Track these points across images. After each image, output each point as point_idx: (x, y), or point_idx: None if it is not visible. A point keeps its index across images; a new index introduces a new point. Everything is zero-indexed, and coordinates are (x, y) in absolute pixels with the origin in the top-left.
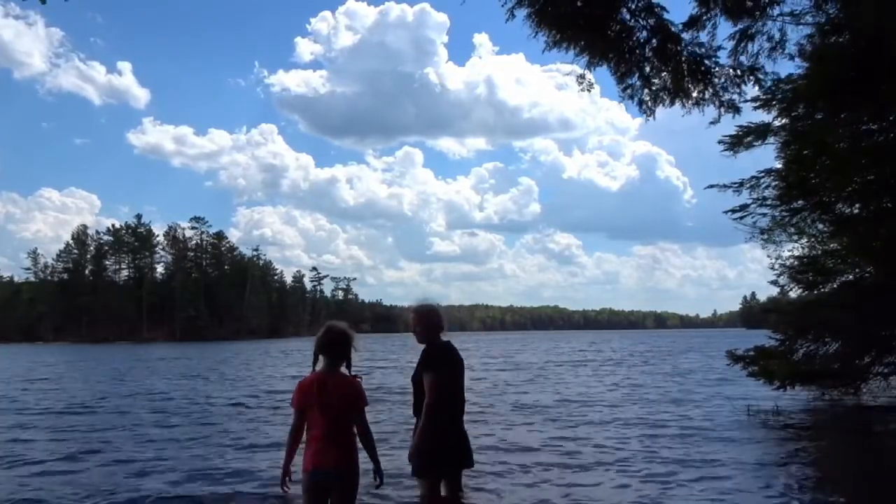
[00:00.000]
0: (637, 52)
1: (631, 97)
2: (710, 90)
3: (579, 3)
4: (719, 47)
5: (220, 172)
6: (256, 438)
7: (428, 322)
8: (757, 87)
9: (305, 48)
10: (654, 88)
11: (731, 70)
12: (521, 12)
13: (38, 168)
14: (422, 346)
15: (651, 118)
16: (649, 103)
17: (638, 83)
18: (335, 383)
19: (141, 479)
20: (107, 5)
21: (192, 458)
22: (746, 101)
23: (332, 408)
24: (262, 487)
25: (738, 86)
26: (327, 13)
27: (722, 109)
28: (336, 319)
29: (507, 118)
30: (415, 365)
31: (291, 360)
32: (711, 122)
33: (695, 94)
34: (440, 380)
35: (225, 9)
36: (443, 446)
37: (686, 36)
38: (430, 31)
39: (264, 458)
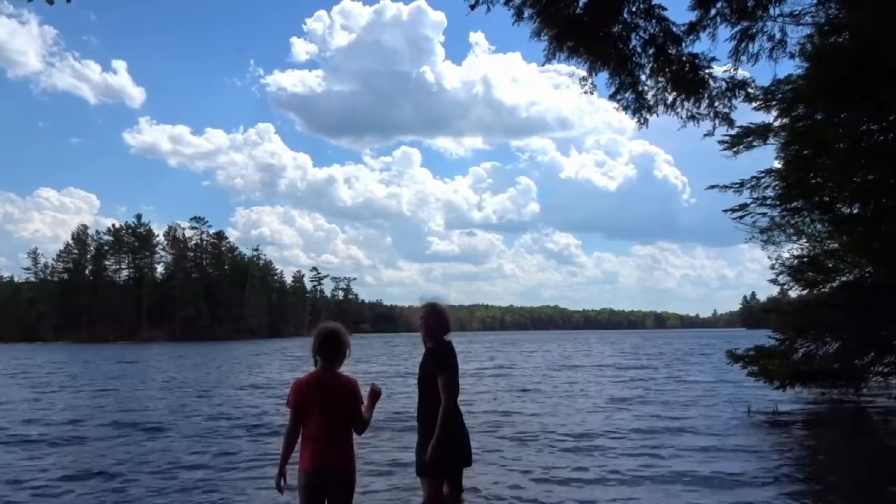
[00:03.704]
0: (634, 59)
1: (626, 108)
2: (706, 101)
3: (580, 7)
4: (713, 59)
5: (217, 172)
6: None
7: (439, 322)
8: (747, 102)
9: (301, 48)
10: (647, 99)
11: (723, 83)
12: (525, 13)
13: (34, 168)
14: (425, 345)
15: (644, 126)
16: (643, 113)
17: (631, 95)
18: (334, 383)
19: None
20: (99, 3)
21: None
22: (748, 92)
23: (332, 408)
24: None
25: (730, 99)
26: (322, 13)
27: (717, 121)
28: (335, 320)
29: (505, 117)
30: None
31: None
32: (706, 134)
33: (689, 106)
34: (455, 380)
35: (219, 8)
36: (455, 447)
37: (684, 42)
38: (426, 29)
39: None
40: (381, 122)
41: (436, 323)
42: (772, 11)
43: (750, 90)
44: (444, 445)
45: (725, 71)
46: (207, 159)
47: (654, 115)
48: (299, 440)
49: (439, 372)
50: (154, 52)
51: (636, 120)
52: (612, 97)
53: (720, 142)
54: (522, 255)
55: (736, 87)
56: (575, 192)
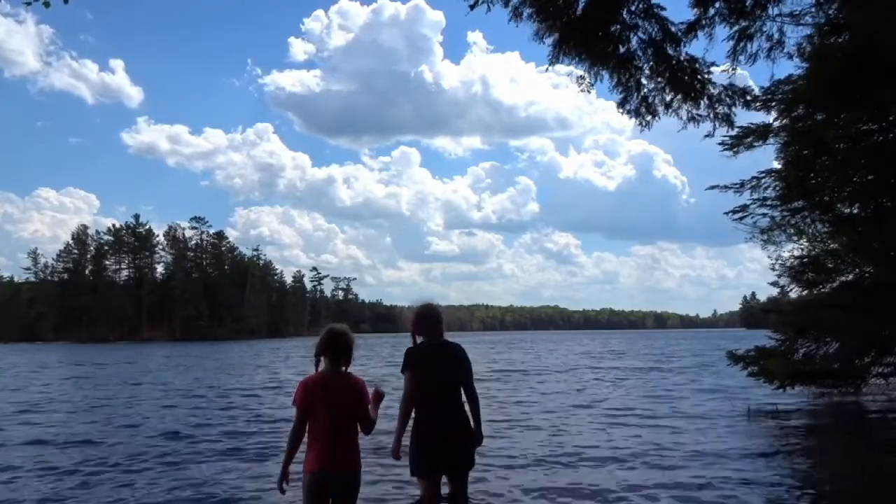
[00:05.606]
0: (633, 60)
1: (629, 112)
2: (706, 102)
3: (580, 8)
4: (712, 63)
5: (216, 172)
6: None
7: (414, 327)
8: (745, 108)
9: (299, 48)
10: (649, 102)
11: (722, 87)
12: (524, 13)
13: (34, 168)
14: None
15: (647, 129)
16: (645, 116)
17: (637, 99)
18: (341, 384)
19: None
20: (97, 2)
21: None
22: (747, 99)
23: (338, 408)
24: None
25: (729, 106)
26: (320, 12)
27: (717, 122)
28: (335, 320)
29: (503, 117)
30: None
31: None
32: (706, 136)
33: (688, 107)
34: (411, 380)
35: (217, 7)
36: (423, 445)
37: (683, 43)
38: (424, 28)
39: None
40: (379, 121)
41: (412, 329)
42: (770, 11)
43: (748, 97)
44: (396, 444)
45: (724, 71)
46: (206, 159)
47: (657, 119)
48: (305, 440)
49: (403, 373)
50: (152, 51)
51: (639, 123)
52: (620, 105)
53: (720, 143)
54: (522, 255)
55: (735, 94)
56: (574, 191)
